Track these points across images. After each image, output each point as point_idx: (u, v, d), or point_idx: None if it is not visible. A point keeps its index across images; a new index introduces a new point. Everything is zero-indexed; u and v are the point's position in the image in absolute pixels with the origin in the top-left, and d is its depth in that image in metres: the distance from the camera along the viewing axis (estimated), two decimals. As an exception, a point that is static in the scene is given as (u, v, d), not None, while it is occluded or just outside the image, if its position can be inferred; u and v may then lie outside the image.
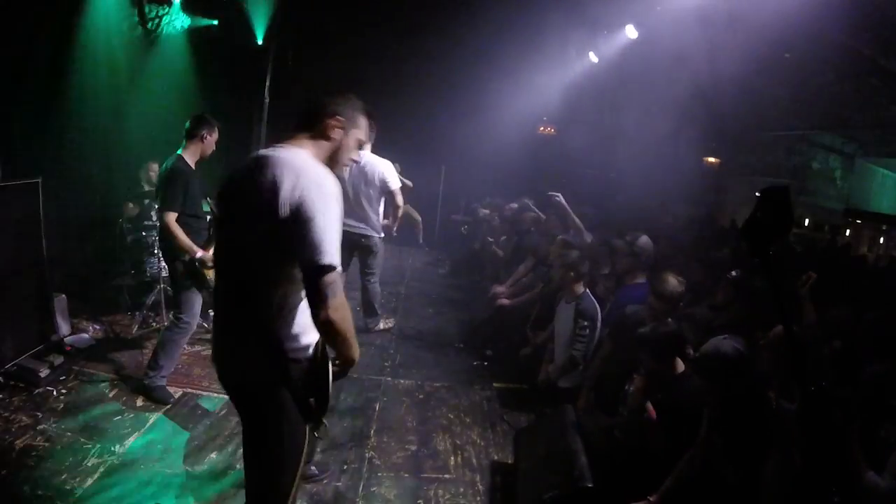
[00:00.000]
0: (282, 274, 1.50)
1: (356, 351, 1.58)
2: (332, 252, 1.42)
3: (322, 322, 1.44)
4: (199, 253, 3.23)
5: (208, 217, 3.48)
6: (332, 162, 1.68)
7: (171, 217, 3.14)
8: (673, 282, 2.89)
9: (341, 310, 1.44)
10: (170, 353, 3.25)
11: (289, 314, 1.55)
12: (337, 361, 1.63)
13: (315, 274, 1.40)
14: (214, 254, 1.74)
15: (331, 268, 1.40)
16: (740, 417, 2.02)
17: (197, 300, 3.32)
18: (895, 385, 2.07)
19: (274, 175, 1.46)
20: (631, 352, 2.88)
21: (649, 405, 2.54)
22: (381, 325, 4.70)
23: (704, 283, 3.78)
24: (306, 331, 1.58)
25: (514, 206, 6.21)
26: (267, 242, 1.47)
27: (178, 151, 3.21)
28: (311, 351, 1.61)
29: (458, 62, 8.13)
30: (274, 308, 1.53)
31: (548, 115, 9.85)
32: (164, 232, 3.19)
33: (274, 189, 1.44)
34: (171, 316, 3.36)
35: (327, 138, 1.65)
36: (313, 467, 2.54)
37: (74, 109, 4.24)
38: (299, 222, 1.41)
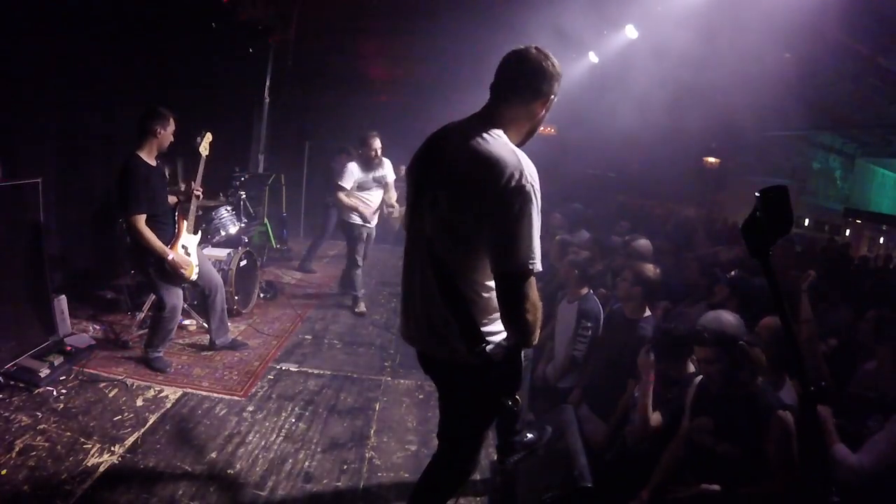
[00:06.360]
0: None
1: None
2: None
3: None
4: (171, 255, 3.25)
5: (174, 212, 3.49)
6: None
7: (140, 220, 3.11)
8: (648, 268, 3.02)
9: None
10: (163, 335, 3.47)
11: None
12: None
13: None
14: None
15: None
16: (737, 392, 2.03)
17: (177, 292, 3.46)
18: (884, 380, 2.12)
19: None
20: (621, 350, 2.88)
21: (655, 414, 2.47)
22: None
23: (700, 283, 3.79)
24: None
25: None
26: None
27: (135, 150, 3.16)
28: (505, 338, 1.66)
29: (460, 62, 8.13)
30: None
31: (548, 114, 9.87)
32: (133, 236, 3.16)
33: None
34: (154, 310, 3.54)
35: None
36: (529, 434, 2.29)
37: (75, 109, 4.23)
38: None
